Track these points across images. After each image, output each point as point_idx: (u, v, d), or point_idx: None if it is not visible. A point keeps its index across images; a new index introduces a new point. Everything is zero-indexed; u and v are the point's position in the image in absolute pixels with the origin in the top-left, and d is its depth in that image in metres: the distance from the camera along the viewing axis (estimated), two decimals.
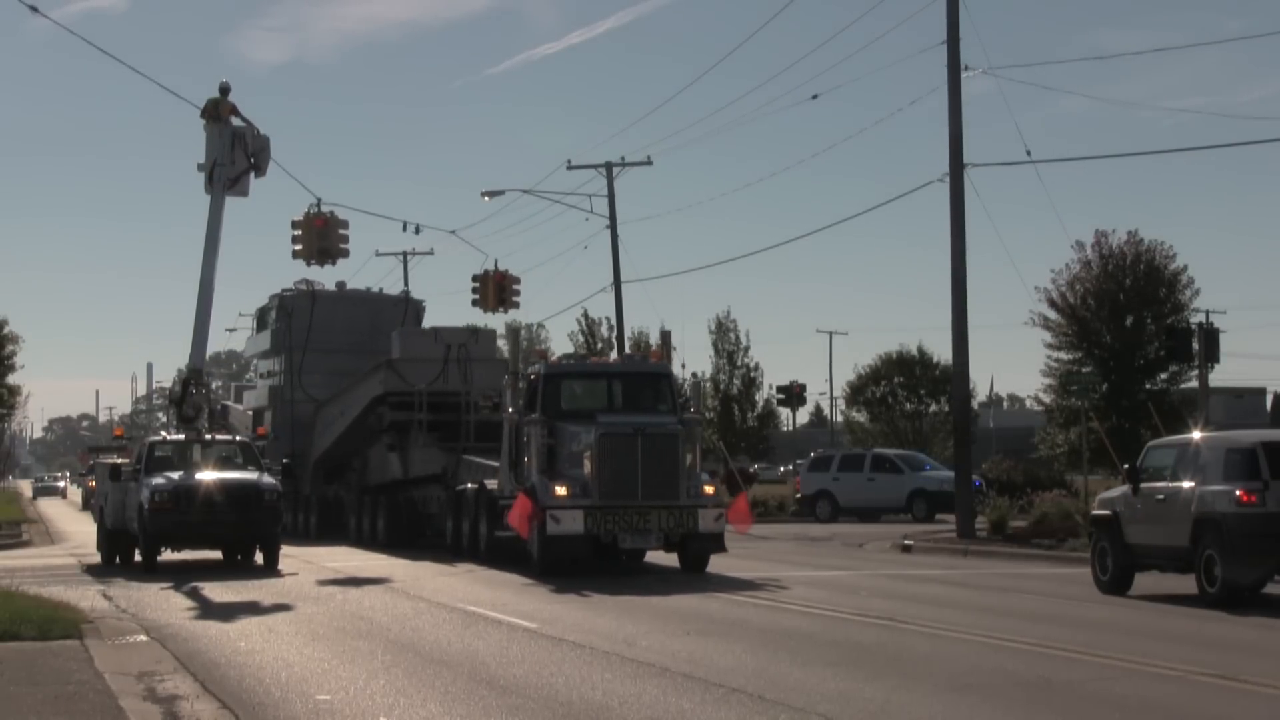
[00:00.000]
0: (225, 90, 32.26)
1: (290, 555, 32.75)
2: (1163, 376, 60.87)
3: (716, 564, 27.58)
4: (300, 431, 41.96)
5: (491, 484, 29.72)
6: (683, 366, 30.61)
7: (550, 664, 15.27)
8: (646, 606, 21.21)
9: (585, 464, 26.55)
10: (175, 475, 30.31)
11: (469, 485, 31.22)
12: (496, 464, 29.88)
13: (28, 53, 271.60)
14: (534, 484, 26.69)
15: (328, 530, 41.14)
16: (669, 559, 28.04)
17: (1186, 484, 22.35)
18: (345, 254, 35.89)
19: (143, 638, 17.79)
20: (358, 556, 33.13)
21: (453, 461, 33.77)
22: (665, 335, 29.99)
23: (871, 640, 17.46)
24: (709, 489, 27.12)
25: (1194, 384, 53.80)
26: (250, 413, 47.18)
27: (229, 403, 53.45)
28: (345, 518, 40.51)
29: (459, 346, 36.73)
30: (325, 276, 48.91)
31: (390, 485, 37.55)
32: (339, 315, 43.43)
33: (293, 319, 43.12)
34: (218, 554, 31.93)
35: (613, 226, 55.91)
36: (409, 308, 44.21)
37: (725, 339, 77.90)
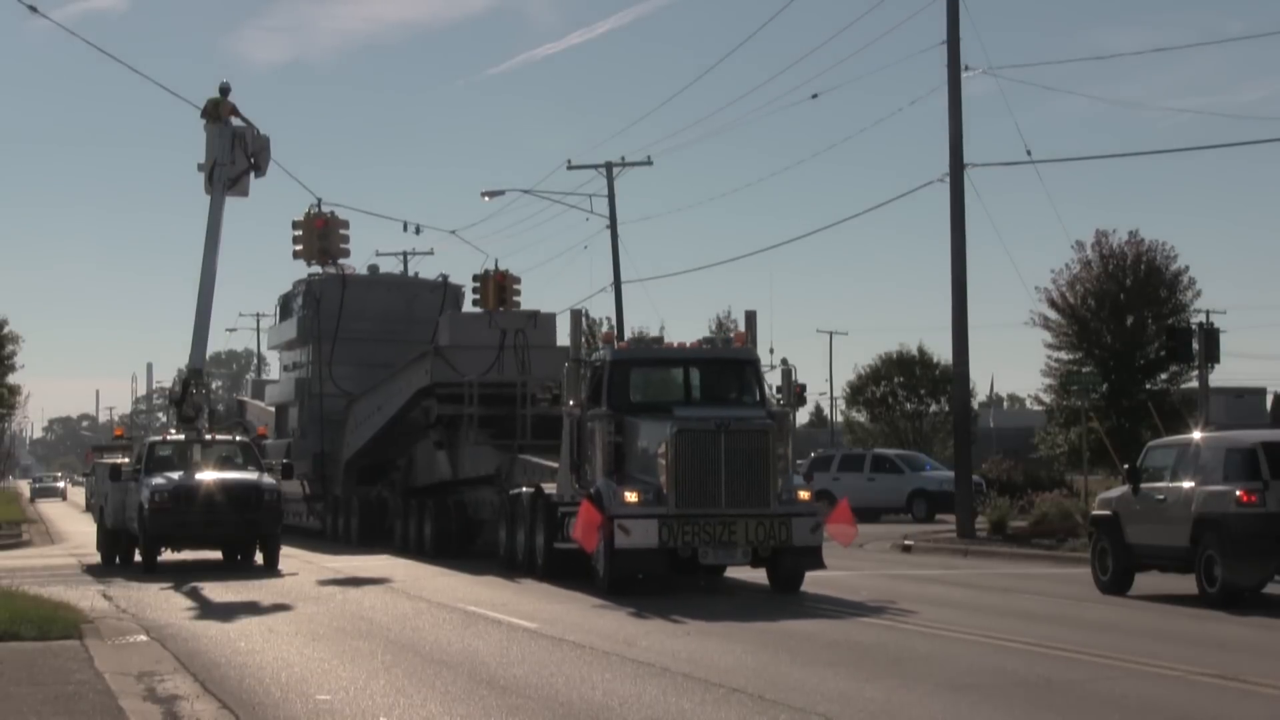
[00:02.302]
0: (225, 90, 32.28)
1: (291, 555, 32.75)
2: (1163, 376, 60.85)
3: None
4: (330, 428, 39.25)
5: (550, 488, 26.20)
6: (770, 352, 25.45)
7: (550, 664, 15.27)
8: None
9: (659, 465, 22.97)
10: (175, 475, 30.33)
11: (524, 489, 27.47)
12: (555, 464, 26.68)
13: (27, 53, 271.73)
14: (599, 489, 23.34)
15: (370, 536, 37.32)
16: (752, 575, 24.71)
17: (1187, 484, 22.37)
18: (345, 254, 35.94)
19: (143, 638, 17.79)
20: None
21: (507, 461, 30.27)
22: (750, 316, 25.64)
23: (871, 640, 17.46)
24: (804, 494, 23.56)
25: (1194, 384, 53.74)
26: (273, 408, 44.64)
27: (246, 398, 51.94)
28: (390, 523, 36.77)
29: (516, 332, 33.38)
30: (355, 261, 46.13)
31: (438, 487, 34.11)
32: (372, 301, 40.46)
33: (321, 305, 40.03)
34: (218, 554, 31.93)
35: (613, 226, 55.90)
36: (447, 293, 41.08)
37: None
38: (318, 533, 41.15)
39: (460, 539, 32.50)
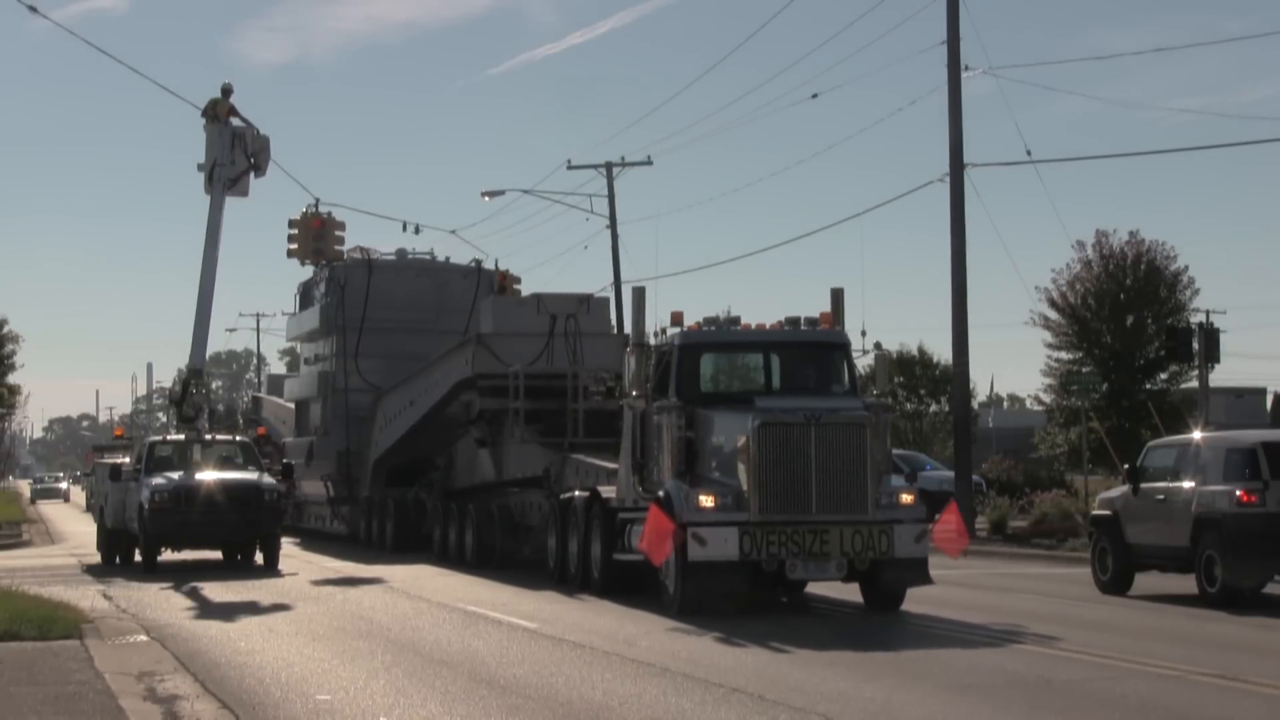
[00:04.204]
0: (227, 92, 32.33)
1: (291, 555, 32.75)
2: (1163, 376, 60.83)
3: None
4: (355, 425, 36.84)
5: (608, 491, 23.13)
6: (863, 335, 22.04)
7: (550, 664, 15.27)
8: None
9: (739, 465, 20.06)
10: (175, 475, 30.36)
11: (577, 492, 24.49)
12: (611, 465, 23.83)
13: (27, 53, 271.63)
14: (668, 492, 20.28)
15: (406, 543, 34.22)
16: (839, 589, 21.88)
17: (1187, 484, 22.38)
18: (340, 255, 35.78)
19: (143, 638, 17.80)
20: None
21: (557, 461, 27.14)
22: (836, 294, 22.40)
23: (871, 640, 17.46)
24: (907, 498, 20.61)
25: (1194, 384, 53.73)
26: (292, 405, 42.53)
27: (262, 395, 50.30)
28: (428, 528, 33.35)
29: (566, 318, 29.91)
30: (384, 243, 43.17)
31: (480, 489, 31.07)
32: (400, 288, 37.89)
33: (345, 293, 37.58)
34: (218, 554, 31.95)
35: (613, 226, 55.90)
36: (481, 278, 38.06)
37: None
38: (345, 538, 38.77)
39: (505, 547, 29.26)
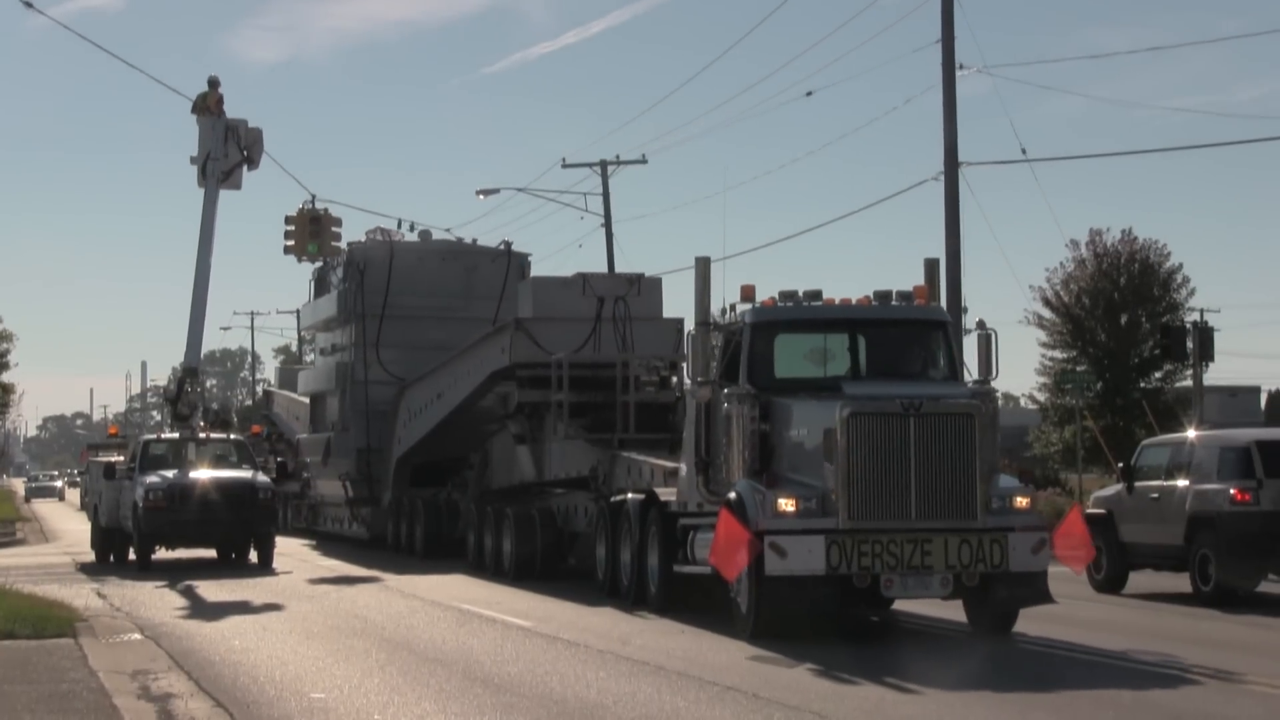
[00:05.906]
0: (214, 84, 32.27)
1: (285, 554, 32.72)
2: (1157, 375, 60.90)
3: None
4: (377, 420, 34.56)
5: (666, 493, 20.53)
6: (964, 312, 19.52)
7: (545, 662, 15.26)
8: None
9: (824, 462, 17.13)
10: (170, 474, 30.34)
11: (630, 495, 21.82)
12: (668, 463, 21.62)
13: (23, 51, 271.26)
14: (740, 494, 17.40)
15: (437, 549, 31.59)
16: (940, 607, 19.07)
17: (1181, 483, 22.41)
18: (336, 252, 35.65)
19: (137, 636, 17.79)
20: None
21: (605, 459, 24.38)
22: (931, 265, 19.89)
23: (866, 640, 17.45)
24: (1022, 501, 17.68)
25: (1188, 382, 53.75)
26: (307, 399, 40.28)
27: (273, 389, 48.77)
28: (462, 533, 30.47)
29: (615, 301, 26.97)
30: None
31: (519, 490, 28.44)
32: (424, 272, 35.49)
33: (365, 277, 35.27)
34: (212, 552, 31.94)
35: (608, 225, 55.84)
36: (511, 262, 35.52)
37: None
38: (366, 542, 36.33)
39: (548, 556, 26.26)
